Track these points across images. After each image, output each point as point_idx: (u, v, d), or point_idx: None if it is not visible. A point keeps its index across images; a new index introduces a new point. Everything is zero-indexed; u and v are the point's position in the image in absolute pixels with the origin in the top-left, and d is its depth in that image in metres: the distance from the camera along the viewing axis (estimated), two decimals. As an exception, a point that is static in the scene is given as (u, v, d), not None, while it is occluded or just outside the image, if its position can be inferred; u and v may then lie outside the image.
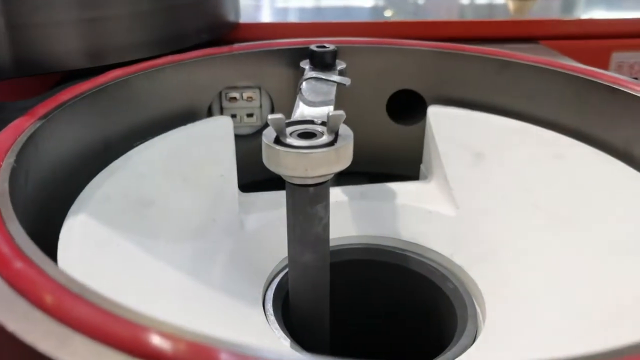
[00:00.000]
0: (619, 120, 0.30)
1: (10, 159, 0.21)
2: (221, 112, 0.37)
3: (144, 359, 0.13)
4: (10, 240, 0.16)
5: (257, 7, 0.58)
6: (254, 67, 0.36)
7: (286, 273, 0.30)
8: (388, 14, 0.56)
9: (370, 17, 0.60)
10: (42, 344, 0.13)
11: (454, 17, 0.60)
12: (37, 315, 0.14)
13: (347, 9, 0.64)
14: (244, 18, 0.46)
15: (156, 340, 0.13)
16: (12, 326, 0.13)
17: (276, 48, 0.36)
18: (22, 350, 0.13)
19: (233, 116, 0.37)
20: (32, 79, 0.34)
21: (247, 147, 0.36)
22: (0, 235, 0.16)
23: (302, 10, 0.61)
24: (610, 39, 0.47)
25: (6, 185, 0.19)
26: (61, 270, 0.15)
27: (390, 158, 0.39)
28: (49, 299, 0.14)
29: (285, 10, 0.60)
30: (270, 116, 0.23)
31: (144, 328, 0.13)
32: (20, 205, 0.20)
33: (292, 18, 0.56)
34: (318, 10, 0.64)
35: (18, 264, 0.15)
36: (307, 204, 0.25)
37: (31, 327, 0.13)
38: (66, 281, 0.15)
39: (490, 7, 0.63)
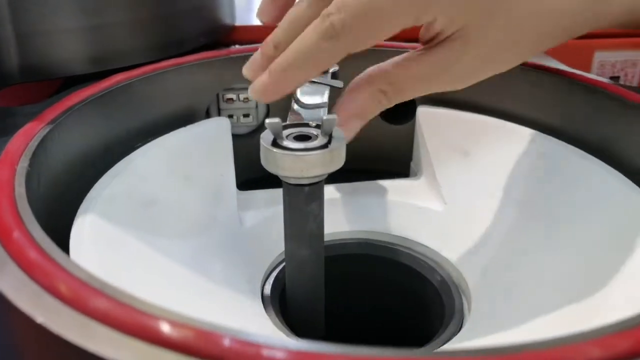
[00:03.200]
0: (597, 120, 0.32)
1: (24, 163, 0.23)
2: (219, 113, 0.38)
3: (159, 346, 0.15)
4: (33, 242, 0.17)
5: (248, 10, 0.58)
6: (250, 69, 0.37)
7: (283, 267, 0.31)
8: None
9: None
10: (68, 334, 0.14)
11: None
12: (62, 308, 0.15)
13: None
14: (238, 19, 0.47)
15: (169, 329, 0.15)
16: (41, 318, 0.15)
17: (271, 51, 0.37)
18: (50, 340, 0.15)
19: (230, 116, 0.38)
20: (37, 84, 0.35)
21: (244, 146, 0.38)
22: (23, 237, 0.18)
23: None
24: (592, 39, 0.48)
25: (23, 189, 0.21)
26: (83, 268, 0.16)
27: (381, 156, 0.40)
28: (72, 293, 0.15)
29: None
30: (267, 120, 0.24)
31: (159, 318, 0.15)
32: (34, 206, 0.22)
33: None
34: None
35: (45, 265, 0.16)
36: (302, 202, 0.26)
37: (57, 319, 0.15)
38: (87, 277, 0.16)
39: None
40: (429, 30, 0.26)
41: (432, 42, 0.26)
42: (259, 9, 0.29)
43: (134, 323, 0.15)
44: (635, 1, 0.29)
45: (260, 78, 0.25)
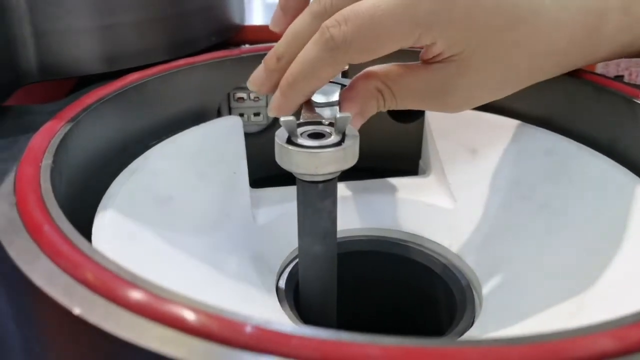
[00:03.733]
0: (605, 118, 0.32)
1: (48, 160, 0.23)
2: (229, 112, 0.39)
3: (188, 334, 0.15)
4: (63, 235, 0.18)
5: (246, 10, 0.59)
6: (261, 68, 0.38)
7: (296, 263, 0.32)
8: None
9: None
10: (104, 324, 0.15)
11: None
12: (96, 299, 0.16)
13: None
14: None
15: (196, 318, 0.15)
16: (77, 310, 0.15)
17: (282, 50, 0.38)
18: (87, 330, 0.15)
19: (240, 115, 0.39)
20: (52, 83, 0.35)
21: (255, 144, 0.38)
22: (53, 231, 0.18)
23: None
24: (597, 39, 0.49)
25: (49, 184, 0.21)
26: (114, 262, 0.17)
27: (391, 154, 0.41)
28: (104, 285, 0.16)
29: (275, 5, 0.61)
30: (282, 118, 0.25)
31: (188, 307, 0.15)
32: (59, 203, 0.22)
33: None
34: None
35: (76, 258, 0.17)
36: (316, 199, 0.27)
37: (92, 309, 0.15)
38: (118, 269, 0.17)
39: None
40: (428, 51, 0.26)
41: (430, 61, 0.27)
42: (271, 20, 0.30)
43: (164, 312, 0.15)
44: (623, 41, 0.30)
45: (274, 96, 0.27)
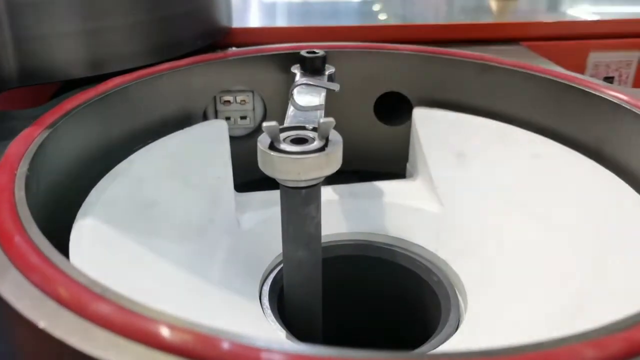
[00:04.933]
0: (591, 121, 0.32)
1: (23, 168, 0.23)
2: (216, 115, 0.39)
3: (159, 350, 0.15)
4: (34, 247, 0.18)
5: (244, 10, 0.59)
6: (247, 71, 0.38)
7: (281, 269, 0.31)
8: (382, 17, 0.58)
9: (358, 11, 0.61)
10: (70, 338, 0.14)
11: (441, 10, 0.61)
12: (64, 313, 0.15)
13: (334, 4, 0.65)
14: (235, 21, 0.47)
15: (169, 333, 0.15)
16: (42, 323, 0.15)
17: (268, 53, 0.38)
18: (52, 345, 0.15)
19: (227, 119, 0.39)
20: (34, 88, 0.35)
21: (241, 148, 0.38)
22: (24, 242, 0.18)
23: (290, 5, 0.61)
24: (587, 40, 0.49)
25: (23, 193, 0.21)
26: (83, 273, 0.17)
27: (377, 157, 0.41)
28: (73, 298, 0.16)
29: (273, 6, 0.61)
30: (264, 124, 0.25)
31: (159, 322, 0.15)
32: (34, 211, 0.22)
33: (280, 13, 0.57)
34: (306, 4, 0.64)
35: (46, 270, 0.17)
36: (299, 204, 0.26)
37: (59, 323, 0.15)
38: (88, 282, 0.16)
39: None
40: None
41: None
42: None
43: (134, 327, 0.15)
44: None
45: None
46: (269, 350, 0.14)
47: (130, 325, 0.15)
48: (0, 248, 0.18)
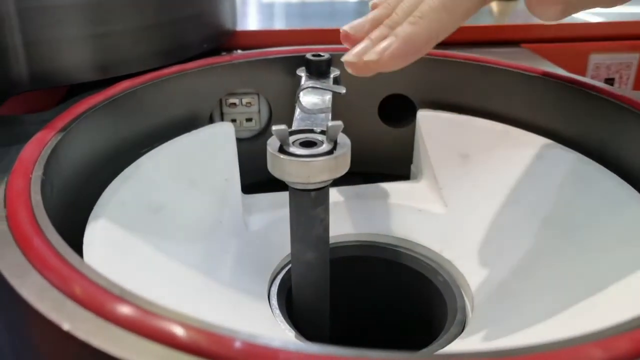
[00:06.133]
0: (594, 123, 0.33)
1: (38, 172, 0.23)
2: (221, 118, 0.39)
3: (178, 349, 0.15)
4: (53, 249, 0.18)
5: (243, 14, 0.59)
6: (253, 74, 0.38)
7: (288, 269, 0.32)
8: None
9: (356, 12, 0.61)
10: (93, 340, 0.15)
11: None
12: (85, 314, 0.16)
13: (332, 4, 0.65)
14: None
15: (188, 334, 0.15)
16: (67, 325, 0.15)
17: (274, 57, 0.38)
18: (75, 346, 0.15)
19: (233, 121, 0.39)
20: (42, 92, 0.35)
21: (247, 150, 0.38)
22: (43, 245, 0.18)
23: (288, 6, 0.62)
24: (588, 42, 0.49)
25: (39, 197, 0.21)
26: (102, 275, 0.17)
27: (382, 159, 0.41)
28: (94, 300, 0.16)
29: (271, 6, 0.61)
30: (274, 127, 0.25)
31: (177, 323, 0.15)
32: (49, 214, 0.22)
33: (278, 12, 0.58)
34: (304, 5, 0.65)
35: (66, 272, 0.17)
36: (308, 206, 0.27)
37: (81, 325, 0.15)
38: (107, 284, 0.17)
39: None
40: None
41: None
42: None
43: (156, 328, 0.15)
44: None
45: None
46: (286, 351, 0.15)
47: (150, 325, 0.15)
48: (20, 251, 0.18)
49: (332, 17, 0.61)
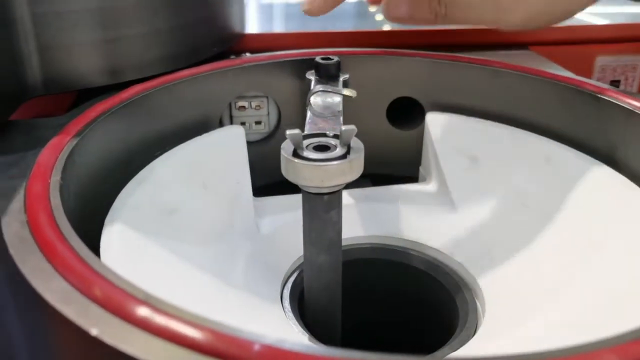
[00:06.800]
0: (603, 126, 0.33)
1: (56, 176, 0.23)
2: (231, 121, 0.39)
3: (199, 352, 0.15)
4: (76, 254, 0.18)
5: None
6: (262, 77, 0.38)
7: (300, 272, 0.32)
8: (379, 18, 0.58)
9: (354, 12, 0.61)
10: (122, 345, 0.15)
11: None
12: (110, 319, 0.16)
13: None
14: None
15: (213, 338, 0.15)
16: (95, 331, 0.15)
17: (283, 60, 0.38)
18: (103, 351, 0.15)
19: (242, 124, 0.39)
20: (54, 96, 0.36)
21: (256, 153, 0.39)
22: (66, 250, 0.18)
23: (287, 6, 0.62)
24: (594, 44, 0.50)
25: (58, 201, 0.22)
26: (127, 280, 0.17)
27: (390, 161, 0.41)
28: (120, 305, 0.16)
29: (270, 7, 0.61)
30: (288, 131, 0.25)
31: (200, 326, 0.16)
32: (68, 219, 0.22)
33: (278, 13, 0.57)
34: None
35: (90, 277, 0.17)
36: (322, 210, 0.27)
37: (107, 330, 0.16)
38: (131, 288, 0.17)
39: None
40: None
41: None
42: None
43: (184, 335, 0.16)
44: None
45: None
46: (307, 355, 0.15)
47: (180, 332, 0.16)
48: (43, 256, 0.19)
49: (332, 17, 0.61)
